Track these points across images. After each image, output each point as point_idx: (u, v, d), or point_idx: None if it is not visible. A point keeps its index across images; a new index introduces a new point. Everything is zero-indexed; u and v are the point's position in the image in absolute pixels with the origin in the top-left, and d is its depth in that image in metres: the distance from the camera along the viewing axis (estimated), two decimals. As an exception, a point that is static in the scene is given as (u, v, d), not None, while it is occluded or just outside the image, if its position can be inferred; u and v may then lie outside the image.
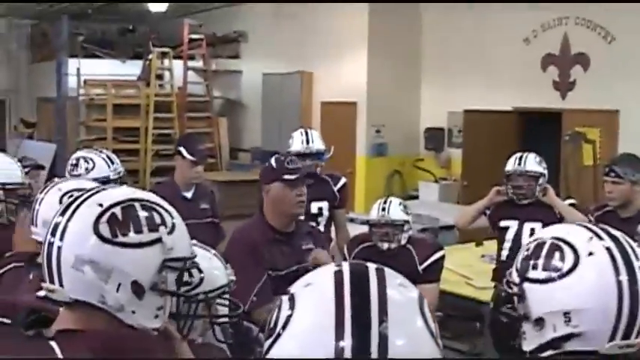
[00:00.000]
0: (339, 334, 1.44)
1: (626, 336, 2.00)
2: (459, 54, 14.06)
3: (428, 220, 10.01)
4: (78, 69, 16.70)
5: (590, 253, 2.05)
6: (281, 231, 4.60)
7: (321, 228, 6.29)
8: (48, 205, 3.15)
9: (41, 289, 2.86)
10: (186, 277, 2.22)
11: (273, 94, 16.72)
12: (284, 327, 1.51)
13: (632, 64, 11.50)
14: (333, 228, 6.52)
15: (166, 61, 17.26)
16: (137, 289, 1.99)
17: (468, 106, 13.73)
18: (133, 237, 1.99)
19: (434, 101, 14.73)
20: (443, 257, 5.57)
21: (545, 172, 6.02)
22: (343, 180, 6.55)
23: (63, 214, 2.02)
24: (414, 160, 15.10)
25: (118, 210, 2.00)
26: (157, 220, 2.04)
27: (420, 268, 5.40)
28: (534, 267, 2.11)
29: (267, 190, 4.61)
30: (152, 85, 16.88)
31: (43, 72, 18.49)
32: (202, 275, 2.70)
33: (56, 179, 3.37)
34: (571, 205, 6.07)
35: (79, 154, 5.19)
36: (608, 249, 2.05)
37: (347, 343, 1.43)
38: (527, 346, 2.13)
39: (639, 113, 11.44)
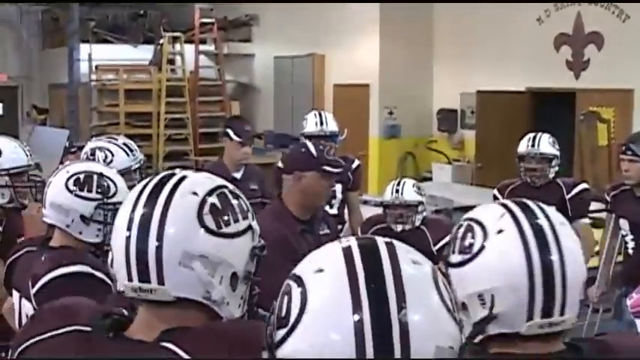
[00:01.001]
0: (359, 325, 1.40)
1: (547, 314, 1.90)
2: (471, 35, 13.98)
3: (442, 202, 9.95)
4: (89, 54, 16.70)
5: (500, 231, 1.94)
6: (303, 219, 4.40)
7: (335, 210, 6.28)
8: (55, 187, 3.17)
9: (54, 269, 2.90)
10: None
11: (285, 77, 16.70)
12: (297, 321, 1.46)
13: (646, 42, 11.42)
14: (346, 210, 6.49)
15: (178, 46, 17.25)
16: (234, 280, 1.91)
17: (481, 87, 13.67)
18: (233, 226, 1.90)
19: (446, 82, 14.67)
20: (457, 238, 5.53)
21: (558, 153, 5.95)
22: (357, 162, 6.53)
23: (149, 206, 1.86)
24: (426, 141, 15.06)
25: (214, 199, 1.89)
26: (244, 206, 1.96)
27: (435, 249, 5.37)
28: (453, 251, 2.02)
29: (298, 177, 4.30)
30: (164, 69, 16.86)
31: (54, 58, 18.51)
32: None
33: (67, 162, 3.37)
34: (584, 190, 5.97)
35: (93, 144, 4.79)
36: (518, 225, 1.93)
37: (368, 333, 1.39)
38: (465, 333, 2.06)
39: (654, 92, 11.38)
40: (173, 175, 1.94)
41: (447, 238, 2.14)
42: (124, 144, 4.77)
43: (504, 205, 2.01)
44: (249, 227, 1.94)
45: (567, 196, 5.83)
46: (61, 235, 3.15)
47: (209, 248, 1.85)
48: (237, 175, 6.28)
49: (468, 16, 14.03)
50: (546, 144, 5.89)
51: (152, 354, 1.80)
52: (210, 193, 1.90)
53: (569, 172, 10.43)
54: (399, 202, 5.58)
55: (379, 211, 5.79)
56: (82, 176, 3.15)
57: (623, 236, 5.76)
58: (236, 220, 1.90)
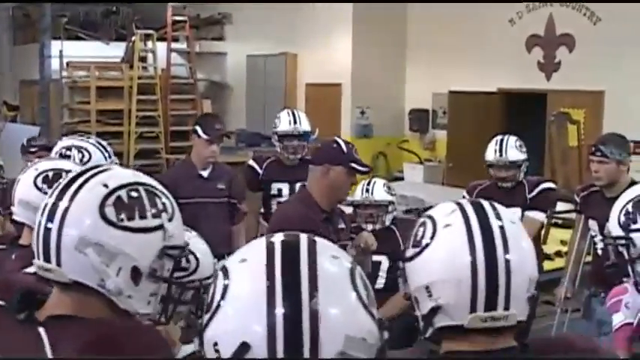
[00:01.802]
0: (271, 311, 1.51)
1: (490, 307, 1.92)
2: (443, 35, 14.01)
3: (413, 201, 9.98)
4: (61, 51, 16.55)
5: (447, 225, 1.99)
6: (326, 210, 4.56)
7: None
8: (23, 185, 3.15)
9: (25, 267, 2.87)
10: (183, 263, 2.30)
11: (257, 75, 16.67)
12: (217, 307, 1.58)
13: (617, 44, 11.50)
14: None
15: (150, 43, 17.15)
16: (136, 274, 1.97)
17: (453, 88, 13.73)
18: (138, 222, 1.96)
19: (418, 82, 14.71)
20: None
21: (526, 155, 5.97)
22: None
23: (61, 196, 1.96)
24: (398, 141, 15.09)
25: (123, 193, 1.97)
26: (160, 206, 2.02)
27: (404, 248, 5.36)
28: (408, 245, 2.06)
29: (326, 169, 4.47)
30: (135, 67, 16.75)
31: (25, 54, 18.35)
32: (199, 262, 2.84)
33: (36, 160, 3.34)
34: (547, 189, 6.00)
35: (67, 142, 4.57)
36: (466, 219, 1.98)
37: (279, 318, 1.50)
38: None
39: (624, 93, 11.47)
40: (97, 167, 2.05)
41: None
42: (101, 145, 4.58)
43: (458, 203, 2.05)
44: (160, 227, 2.01)
45: (529, 195, 5.87)
46: (30, 233, 3.12)
47: (105, 238, 1.93)
48: (204, 174, 6.14)
49: (441, 16, 14.06)
50: (513, 150, 5.90)
51: (23, 338, 1.87)
52: (121, 187, 1.98)
53: (540, 172, 10.46)
54: (369, 202, 5.59)
55: (350, 210, 5.78)
56: (50, 174, 3.12)
57: (592, 237, 5.78)
58: (142, 217, 1.98)
